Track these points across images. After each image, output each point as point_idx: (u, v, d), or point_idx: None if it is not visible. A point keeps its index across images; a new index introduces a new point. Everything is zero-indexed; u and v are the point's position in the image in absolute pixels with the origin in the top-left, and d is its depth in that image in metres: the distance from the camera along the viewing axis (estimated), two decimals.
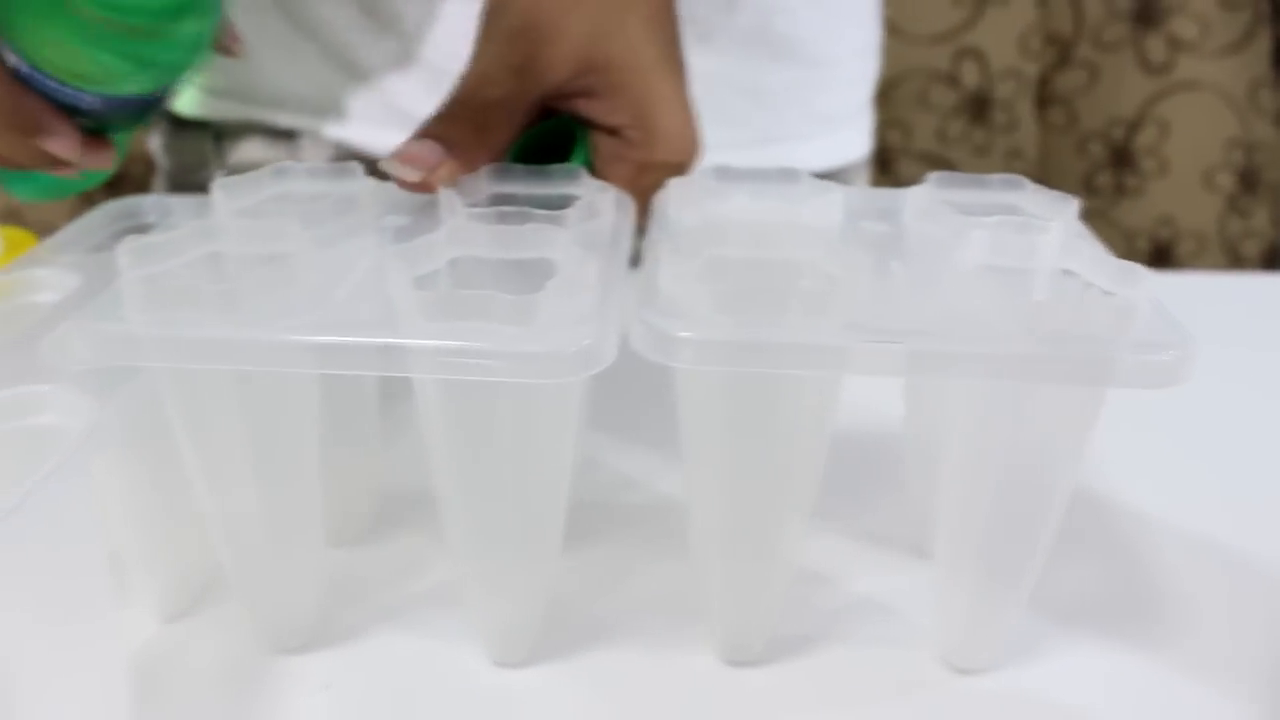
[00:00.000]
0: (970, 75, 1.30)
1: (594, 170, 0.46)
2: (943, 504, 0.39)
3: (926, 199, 0.42)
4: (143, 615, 0.43)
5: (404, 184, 0.43)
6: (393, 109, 0.67)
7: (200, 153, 0.71)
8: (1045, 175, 1.33)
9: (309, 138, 0.69)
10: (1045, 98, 1.32)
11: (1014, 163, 1.33)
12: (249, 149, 0.70)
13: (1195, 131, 1.31)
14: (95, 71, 0.41)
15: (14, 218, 0.51)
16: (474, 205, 0.40)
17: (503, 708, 0.40)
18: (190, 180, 0.71)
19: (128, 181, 0.80)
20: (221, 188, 0.42)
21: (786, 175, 0.43)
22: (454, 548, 0.40)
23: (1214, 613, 0.44)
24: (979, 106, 1.31)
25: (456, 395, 0.35)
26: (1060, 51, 1.30)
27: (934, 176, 0.44)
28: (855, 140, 0.75)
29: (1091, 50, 1.29)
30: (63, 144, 0.42)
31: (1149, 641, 0.42)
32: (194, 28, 0.42)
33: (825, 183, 0.42)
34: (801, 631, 0.42)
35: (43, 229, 0.51)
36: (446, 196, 0.41)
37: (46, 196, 0.51)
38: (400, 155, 0.43)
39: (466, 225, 0.38)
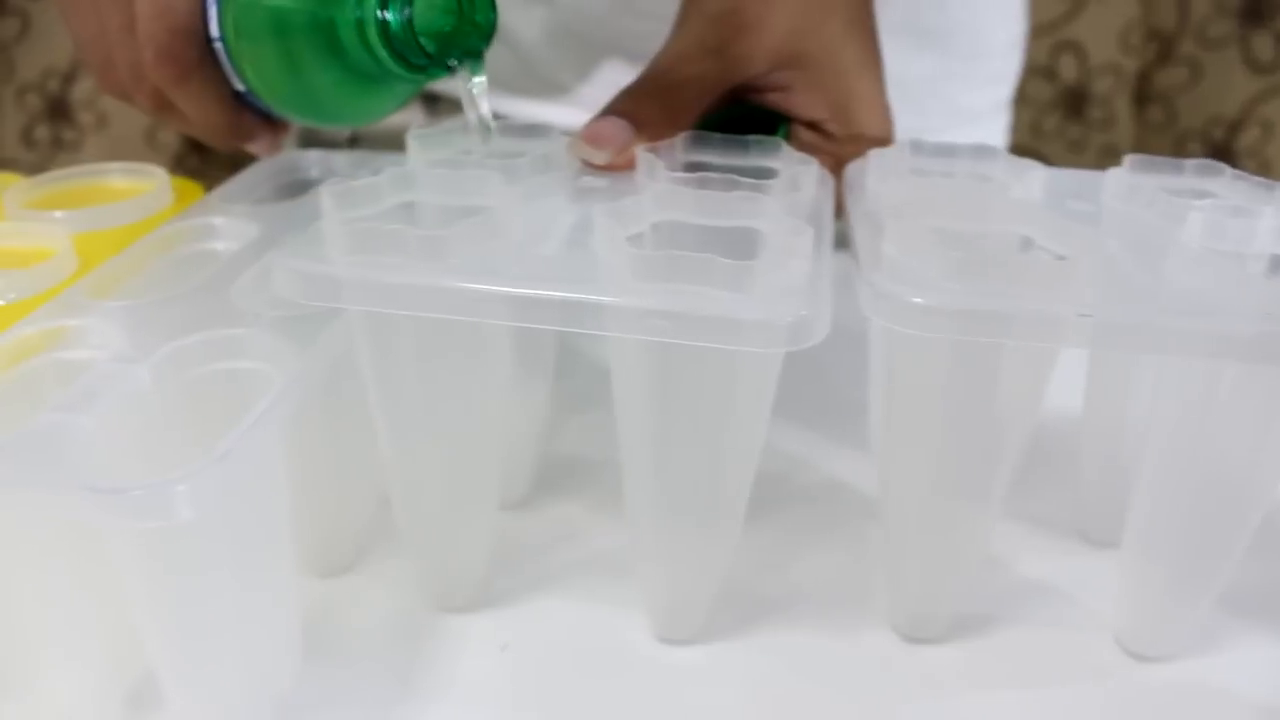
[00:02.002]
0: (1068, 69, 1.28)
1: None
2: (1138, 493, 0.38)
3: (1127, 181, 0.41)
4: (301, 570, 0.43)
5: (591, 166, 0.43)
6: (537, 78, 0.66)
7: None
8: None
9: (447, 102, 0.69)
10: (1144, 94, 1.30)
11: (1108, 160, 1.30)
12: None
13: None
14: (316, 118, 0.45)
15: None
16: (671, 171, 0.40)
17: (674, 680, 0.39)
18: (320, 138, 0.71)
19: None
20: (415, 138, 0.42)
21: (982, 152, 0.43)
22: (635, 517, 0.39)
23: None
24: (1075, 101, 1.29)
25: (659, 359, 0.35)
26: (1162, 47, 1.28)
27: (1130, 159, 0.43)
28: (992, 138, 0.74)
29: (1195, 47, 1.26)
30: (261, 147, 0.48)
31: None
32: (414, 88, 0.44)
33: (1025, 160, 0.42)
34: (979, 611, 0.42)
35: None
36: (645, 160, 0.41)
37: None
38: (588, 135, 0.42)
39: (672, 189, 0.38)
